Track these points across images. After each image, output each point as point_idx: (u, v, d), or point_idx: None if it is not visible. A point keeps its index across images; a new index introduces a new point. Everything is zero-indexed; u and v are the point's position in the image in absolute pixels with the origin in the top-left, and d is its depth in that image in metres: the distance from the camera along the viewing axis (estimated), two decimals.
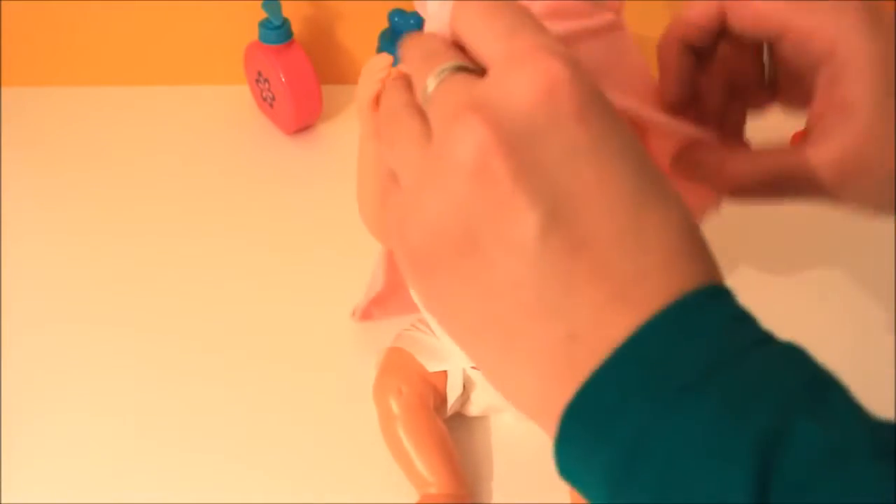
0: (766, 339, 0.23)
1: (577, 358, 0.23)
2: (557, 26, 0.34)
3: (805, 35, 0.33)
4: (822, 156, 0.32)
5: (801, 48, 0.33)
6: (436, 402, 0.47)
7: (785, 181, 0.33)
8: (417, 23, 0.65)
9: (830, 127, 0.32)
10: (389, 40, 0.67)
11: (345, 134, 0.68)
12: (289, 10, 0.65)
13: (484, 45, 0.26)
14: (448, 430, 0.46)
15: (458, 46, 0.28)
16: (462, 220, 0.24)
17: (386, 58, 0.38)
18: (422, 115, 0.27)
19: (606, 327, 0.23)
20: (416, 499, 0.45)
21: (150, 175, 0.65)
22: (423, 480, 0.45)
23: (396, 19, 0.66)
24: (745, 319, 0.24)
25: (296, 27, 0.66)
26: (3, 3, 0.68)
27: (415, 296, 0.38)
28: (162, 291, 0.56)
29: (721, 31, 0.35)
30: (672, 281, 0.23)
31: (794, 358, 0.23)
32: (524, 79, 0.24)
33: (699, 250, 0.24)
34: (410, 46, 0.29)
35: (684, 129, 0.36)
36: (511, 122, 0.24)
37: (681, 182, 0.34)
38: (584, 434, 0.23)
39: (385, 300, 0.51)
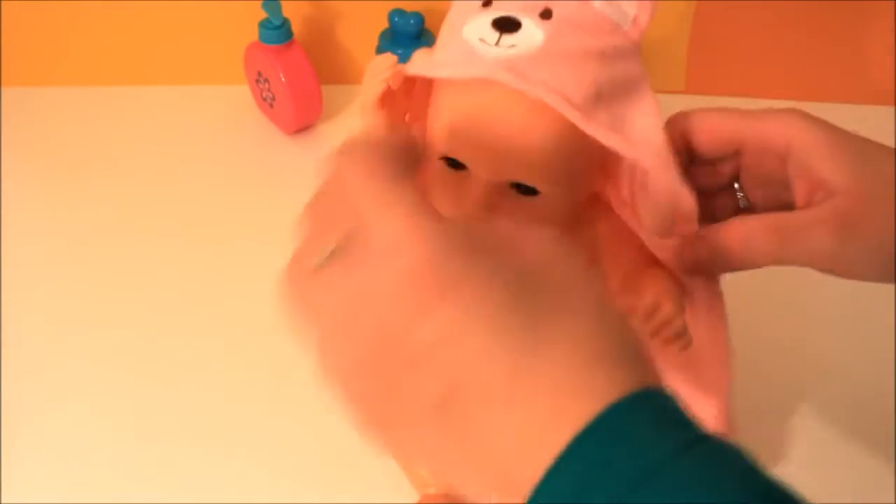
0: (696, 438, 0.23)
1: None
2: (584, 40, 0.33)
3: (761, 142, 0.37)
4: (821, 216, 0.36)
5: (761, 154, 0.37)
6: None
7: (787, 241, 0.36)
8: (417, 23, 0.65)
9: (820, 200, 0.36)
10: (389, 40, 0.67)
11: (345, 134, 0.68)
12: (289, 10, 0.65)
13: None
14: None
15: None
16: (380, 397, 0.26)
17: (390, 57, 0.37)
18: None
19: (522, 474, 0.23)
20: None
21: (151, 175, 0.65)
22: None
23: (396, 19, 0.66)
24: (665, 424, 0.23)
25: (296, 27, 0.66)
26: (3, 3, 0.68)
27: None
28: (162, 291, 0.56)
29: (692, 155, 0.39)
30: (575, 407, 0.23)
31: (726, 458, 0.23)
32: (386, 274, 0.25)
33: (609, 364, 0.24)
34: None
35: (678, 183, 0.36)
36: (385, 315, 0.25)
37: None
38: None
39: None
